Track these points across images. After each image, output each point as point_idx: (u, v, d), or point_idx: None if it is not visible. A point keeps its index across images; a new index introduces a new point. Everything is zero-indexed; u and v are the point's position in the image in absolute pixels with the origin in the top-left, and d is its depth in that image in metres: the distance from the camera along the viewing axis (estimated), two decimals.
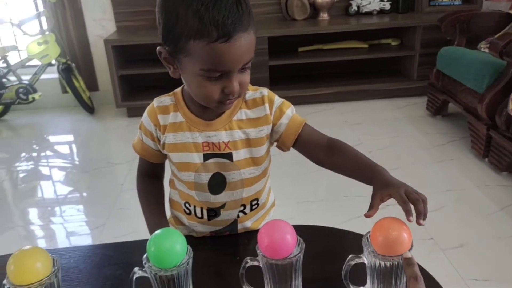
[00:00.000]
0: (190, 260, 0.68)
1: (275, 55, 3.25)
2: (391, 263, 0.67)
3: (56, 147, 3.13)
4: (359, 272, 0.72)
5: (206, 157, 0.89)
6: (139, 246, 0.83)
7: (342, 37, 3.44)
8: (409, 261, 0.65)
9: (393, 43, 3.50)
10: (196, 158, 0.89)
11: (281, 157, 0.86)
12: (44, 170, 2.75)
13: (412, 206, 0.71)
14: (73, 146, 3.18)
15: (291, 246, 0.67)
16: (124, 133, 3.12)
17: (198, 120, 0.88)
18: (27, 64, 3.30)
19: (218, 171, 0.90)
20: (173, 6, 0.75)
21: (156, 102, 0.92)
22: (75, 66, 3.34)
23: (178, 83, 0.91)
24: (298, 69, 3.50)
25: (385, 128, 2.91)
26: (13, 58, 3.33)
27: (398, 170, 2.33)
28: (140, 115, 0.95)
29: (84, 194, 2.43)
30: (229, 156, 0.89)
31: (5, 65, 3.23)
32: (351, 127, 2.94)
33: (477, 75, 2.36)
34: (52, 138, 3.22)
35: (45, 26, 3.27)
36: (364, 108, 3.27)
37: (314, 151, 0.90)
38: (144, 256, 0.68)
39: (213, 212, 0.94)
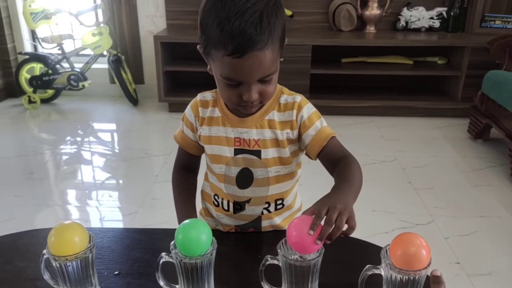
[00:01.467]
0: (214, 252, 0.72)
1: (318, 64, 3.27)
2: (407, 277, 0.68)
3: (99, 134, 3.27)
4: (376, 284, 0.73)
5: (237, 152, 0.95)
6: (168, 234, 0.88)
7: (387, 51, 3.41)
8: (437, 279, 0.66)
9: (439, 62, 3.44)
10: (227, 152, 0.95)
11: (316, 165, 0.88)
12: (86, 155, 2.88)
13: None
14: (115, 134, 3.32)
15: (316, 246, 0.69)
16: (163, 127, 3.22)
17: (232, 116, 0.94)
18: (80, 53, 3.47)
19: (246, 167, 0.95)
20: (208, 11, 0.80)
21: (200, 96, 0.99)
22: (124, 59, 3.48)
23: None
24: (339, 80, 3.50)
25: (422, 146, 2.86)
26: (68, 46, 3.51)
27: (432, 190, 2.30)
28: (181, 110, 1.02)
29: (120, 181, 2.53)
30: (257, 153, 0.94)
31: (60, 52, 3.41)
32: (387, 143, 2.91)
33: None
34: (96, 125, 3.37)
35: (100, 19, 3.44)
36: (402, 124, 3.23)
37: (330, 165, 0.92)
38: (172, 242, 0.72)
39: (239, 206, 0.99)
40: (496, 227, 2.02)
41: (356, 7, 3.37)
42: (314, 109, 0.95)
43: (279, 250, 0.71)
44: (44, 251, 0.73)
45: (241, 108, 0.90)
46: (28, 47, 3.69)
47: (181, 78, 3.48)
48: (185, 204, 1.00)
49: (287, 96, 0.95)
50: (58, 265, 0.71)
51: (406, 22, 3.44)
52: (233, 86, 0.83)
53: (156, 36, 3.19)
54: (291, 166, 0.98)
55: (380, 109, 3.35)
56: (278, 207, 1.00)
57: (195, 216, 0.99)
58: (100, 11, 3.43)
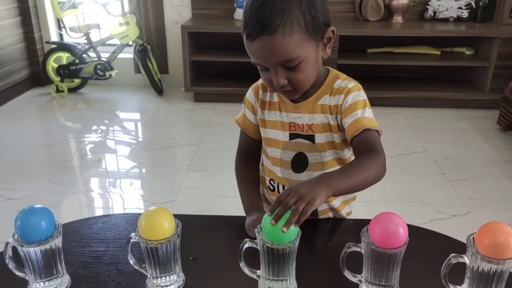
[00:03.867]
0: (298, 239, 0.73)
1: (344, 54, 3.25)
2: (494, 267, 0.69)
3: (127, 123, 3.30)
4: (459, 273, 0.74)
5: (292, 136, 0.97)
6: (235, 221, 0.94)
7: (414, 41, 3.38)
8: None
9: (467, 52, 3.40)
10: (283, 136, 0.98)
11: None
12: (114, 144, 2.91)
13: None
14: (142, 124, 3.34)
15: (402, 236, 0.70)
16: (190, 117, 3.24)
17: (288, 101, 0.96)
18: (106, 42, 3.49)
19: (301, 151, 0.97)
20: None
21: (261, 80, 1.00)
22: (150, 49, 3.49)
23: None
24: (365, 70, 3.48)
25: (452, 138, 2.84)
26: (95, 36, 3.52)
27: (466, 181, 2.30)
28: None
29: (153, 170, 2.55)
30: (311, 138, 0.96)
31: (87, 41, 3.43)
32: (416, 134, 2.90)
33: None
34: (122, 115, 3.39)
35: (126, 8, 3.44)
36: (430, 115, 3.21)
37: (356, 156, 0.91)
38: (257, 228, 0.74)
39: None
40: None
41: None
42: (364, 97, 0.93)
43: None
44: (132, 235, 0.75)
45: (282, 94, 0.93)
46: (54, 37, 3.72)
47: (207, 68, 3.49)
48: (251, 194, 1.01)
49: (341, 81, 0.95)
50: (148, 249, 0.72)
51: (434, 12, 3.40)
52: (264, 70, 0.87)
53: (184, 26, 3.19)
54: (345, 152, 0.99)
55: (406, 100, 3.33)
56: None
57: (261, 205, 1.00)
58: (126, 1, 3.43)
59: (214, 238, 0.92)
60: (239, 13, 3.34)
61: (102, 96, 3.65)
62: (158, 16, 3.55)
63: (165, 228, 0.72)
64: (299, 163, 0.99)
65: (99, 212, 2.12)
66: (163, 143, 2.80)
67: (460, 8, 3.37)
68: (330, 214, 1.05)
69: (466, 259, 0.72)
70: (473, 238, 0.72)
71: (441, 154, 2.59)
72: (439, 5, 3.37)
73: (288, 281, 0.75)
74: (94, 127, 3.11)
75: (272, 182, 1.05)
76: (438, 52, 3.37)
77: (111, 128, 3.14)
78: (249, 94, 1.03)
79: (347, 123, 0.91)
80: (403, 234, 0.71)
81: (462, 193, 2.18)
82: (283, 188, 1.02)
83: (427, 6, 3.40)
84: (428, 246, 0.89)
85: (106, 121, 3.22)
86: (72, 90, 3.62)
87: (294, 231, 0.72)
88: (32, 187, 2.24)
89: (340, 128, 0.95)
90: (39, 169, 2.51)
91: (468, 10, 3.36)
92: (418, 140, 2.80)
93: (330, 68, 0.99)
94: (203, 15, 3.51)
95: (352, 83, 0.95)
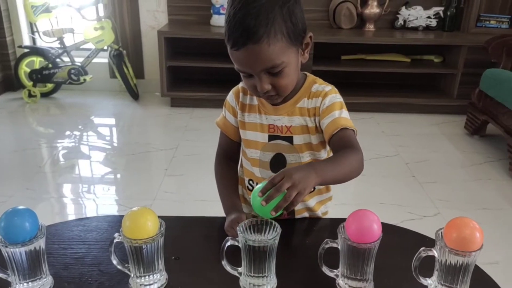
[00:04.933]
0: (278, 237, 0.76)
1: (318, 60, 3.32)
2: (460, 259, 0.74)
3: (102, 129, 3.27)
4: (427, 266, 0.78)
5: (270, 138, 1.01)
6: (215, 222, 0.96)
7: (385, 49, 3.49)
8: None
9: (435, 60, 3.53)
10: (262, 137, 1.01)
11: None
12: (89, 149, 2.87)
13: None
14: (119, 129, 3.31)
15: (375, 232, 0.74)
16: (166, 122, 3.24)
17: (267, 104, 1.00)
18: (80, 47, 3.45)
19: (280, 152, 1.01)
20: (227, 8, 0.87)
21: (241, 84, 1.03)
22: (125, 54, 3.47)
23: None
24: (339, 76, 3.55)
25: (422, 142, 2.94)
26: (68, 40, 3.48)
27: (435, 184, 2.38)
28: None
29: (131, 175, 2.53)
30: (289, 139, 1.00)
31: (60, 46, 3.39)
32: (389, 138, 2.98)
33: None
34: (96, 120, 3.36)
35: (101, 13, 3.42)
36: (401, 120, 3.31)
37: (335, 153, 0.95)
38: (239, 226, 0.76)
39: None
40: (499, 219, 2.10)
41: (356, 5, 3.43)
42: (340, 99, 0.98)
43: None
44: (116, 235, 0.76)
45: (264, 99, 0.96)
46: (27, 41, 3.66)
47: (183, 73, 3.50)
48: (230, 195, 1.04)
49: (318, 85, 1.00)
50: (133, 248, 0.74)
51: (404, 21, 3.52)
52: (247, 77, 0.90)
53: (160, 31, 3.19)
54: (321, 153, 1.03)
55: (379, 106, 3.42)
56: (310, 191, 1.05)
57: (240, 206, 1.03)
58: (101, 5, 3.41)
59: (195, 238, 0.94)
60: (215, 19, 3.37)
61: (76, 101, 3.61)
62: (134, 21, 3.55)
63: (149, 228, 0.74)
64: (278, 163, 1.02)
65: (75, 217, 2.10)
66: (139, 148, 2.79)
67: (429, 17, 3.50)
68: (306, 214, 1.08)
69: (435, 253, 0.77)
70: (441, 232, 0.77)
71: (412, 158, 2.68)
72: (409, 15, 3.49)
73: (269, 277, 0.78)
74: (68, 133, 3.07)
75: (251, 182, 1.08)
76: (408, 60, 3.49)
77: (85, 134, 3.10)
78: (230, 97, 1.06)
79: (325, 123, 0.95)
80: (377, 230, 0.75)
81: (432, 195, 2.26)
82: None
83: (398, 15, 3.52)
84: (400, 242, 0.94)
85: (80, 127, 3.18)
86: (45, 95, 3.57)
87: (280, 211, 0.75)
88: (5, 193, 2.20)
89: (318, 130, 0.99)
90: (12, 174, 2.46)
91: (437, 20, 3.50)
92: (390, 144, 2.89)
93: (307, 73, 1.03)
94: (179, 20, 3.52)
95: (328, 87, 0.99)
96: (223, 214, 1.00)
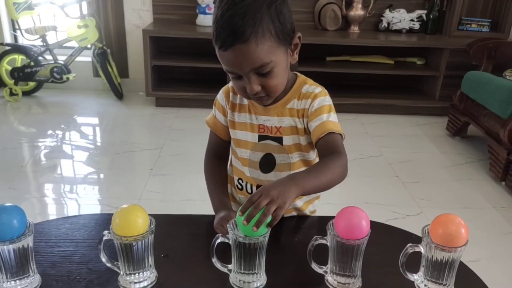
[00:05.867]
0: (268, 234, 0.77)
1: (303, 61, 3.33)
2: (446, 255, 0.75)
3: (86, 128, 3.23)
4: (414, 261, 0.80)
5: (260, 138, 1.01)
6: (203, 220, 0.97)
7: (370, 51, 3.53)
8: None
9: (418, 62, 3.59)
10: (252, 137, 1.02)
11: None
12: (74, 149, 2.84)
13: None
14: (102, 128, 3.27)
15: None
16: (151, 121, 3.21)
17: (258, 104, 0.99)
18: (63, 45, 3.40)
19: (269, 152, 1.02)
20: (215, 9, 0.87)
21: (231, 83, 1.03)
22: (110, 52, 3.43)
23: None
24: (325, 77, 3.54)
25: (405, 143, 2.99)
26: (51, 38, 3.43)
27: (418, 183, 2.42)
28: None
29: (115, 174, 2.50)
30: (279, 140, 1.00)
31: (43, 43, 3.33)
32: (372, 139, 3.02)
33: (502, 101, 2.44)
34: (79, 119, 3.31)
35: (85, 11, 3.38)
36: (385, 121, 3.36)
37: (320, 158, 0.97)
38: (230, 223, 0.77)
39: None
40: (480, 217, 2.15)
41: (341, 7, 3.47)
42: (329, 102, 0.98)
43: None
44: (105, 233, 0.76)
45: (254, 101, 0.96)
46: (8, 38, 3.58)
47: (168, 72, 3.48)
48: (220, 192, 1.04)
49: (308, 86, 1.00)
50: (122, 245, 0.74)
51: (388, 23, 3.57)
52: (236, 78, 0.90)
53: (145, 30, 3.17)
54: (310, 154, 1.04)
55: (363, 107, 3.46)
56: None
57: (229, 204, 1.03)
58: (85, 3, 3.37)
59: (184, 236, 0.94)
60: (201, 19, 3.36)
61: (58, 100, 3.55)
62: (118, 19, 3.51)
63: (139, 225, 0.74)
64: (267, 163, 1.03)
65: (58, 217, 2.06)
66: (124, 148, 2.76)
67: (412, 20, 3.56)
68: (294, 213, 1.09)
69: (421, 249, 0.79)
70: (427, 229, 0.78)
71: (396, 158, 2.72)
72: (392, 17, 3.54)
73: (259, 274, 0.79)
74: (50, 132, 3.03)
75: (240, 181, 1.08)
76: (392, 62, 3.54)
77: (68, 133, 3.06)
78: (220, 96, 1.06)
79: (312, 126, 0.95)
80: (365, 227, 0.76)
81: (415, 194, 2.30)
82: (251, 188, 1.06)
83: (382, 18, 3.57)
84: (387, 239, 0.95)
85: (63, 126, 3.14)
86: (27, 93, 3.50)
87: (264, 227, 0.76)
88: None
89: (306, 131, 0.99)
90: None
91: (420, 22, 3.56)
92: (374, 144, 2.92)
93: (298, 74, 1.04)
94: (164, 19, 3.51)
95: (318, 89, 1.00)
96: (209, 213, 1.00)
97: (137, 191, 2.24)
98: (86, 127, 3.27)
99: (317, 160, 1.06)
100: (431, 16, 3.51)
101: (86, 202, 2.19)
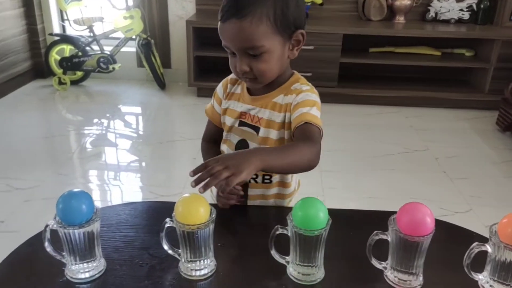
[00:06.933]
0: (328, 228, 0.76)
1: (346, 52, 3.29)
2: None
3: (127, 117, 3.31)
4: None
5: (240, 123, 1.04)
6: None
7: (415, 42, 3.43)
8: None
9: (466, 54, 3.45)
10: (233, 122, 1.04)
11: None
12: (113, 137, 2.91)
13: None
14: (146, 117, 3.34)
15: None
16: (193, 111, 3.25)
17: (247, 94, 1.03)
18: (110, 35, 3.48)
19: (245, 138, 1.04)
20: None
21: (232, 75, 1.06)
22: (153, 43, 3.49)
23: None
24: (367, 69, 3.52)
25: (452, 137, 2.90)
26: (98, 29, 3.52)
27: (467, 180, 2.34)
28: (209, 96, 1.14)
29: (160, 163, 2.55)
30: (257, 129, 1.02)
31: (90, 34, 3.43)
32: (417, 132, 2.94)
33: None
34: (123, 108, 3.39)
35: (131, 2, 3.44)
36: (430, 115, 3.26)
37: None
38: (289, 216, 0.77)
39: None
40: None
41: None
42: (315, 99, 0.97)
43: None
44: (167, 220, 0.77)
45: (244, 81, 1.00)
46: (57, 29, 3.71)
47: (209, 63, 3.50)
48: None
49: (299, 84, 1.00)
50: (185, 234, 0.75)
51: (436, 13, 3.45)
52: (231, 55, 0.93)
53: (189, 21, 3.20)
54: None
55: (407, 99, 3.37)
56: (266, 181, 1.06)
57: None
58: None
59: (239, 226, 0.95)
60: None
61: (104, 89, 3.65)
62: (162, 10, 3.56)
63: (201, 214, 0.75)
64: (242, 148, 1.05)
65: (109, 203, 2.13)
66: (166, 137, 2.81)
67: (461, 10, 3.42)
68: (258, 201, 1.07)
69: (488, 248, 0.76)
70: (495, 227, 0.76)
71: (442, 153, 2.64)
72: (440, 7, 3.42)
73: (316, 267, 0.78)
74: (96, 120, 3.12)
75: None
76: (439, 53, 3.42)
77: (112, 121, 3.14)
78: (219, 88, 1.10)
79: (293, 117, 0.96)
80: (430, 223, 0.74)
81: (463, 191, 2.23)
82: None
83: (429, 7, 3.45)
84: (446, 236, 0.93)
85: (107, 114, 3.22)
86: (74, 82, 3.62)
87: (324, 220, 0.75)
88: (38, 178, 2.25)
89: (283, 126, 0.99)
90: (44, 160, 2.52)
91: (469, 12, 3.41)
92: (419, 138, 2.85)
93: (296, 72, 1.04)
94: (207, 10, 3.52)
95: (307, 87, 1.00)
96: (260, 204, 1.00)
97: (181, 180, 2.28)
98: (130, 116, 3.35)
99: None
100: (482, 6, 3.36)
101: (130, 189, 2.25)
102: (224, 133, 1.08)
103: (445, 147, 2.73)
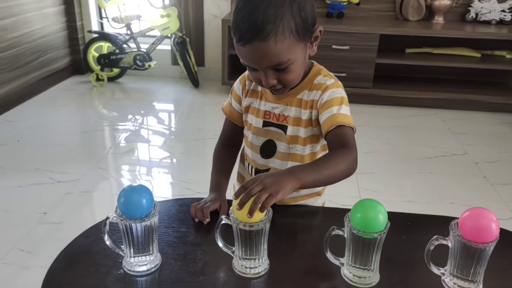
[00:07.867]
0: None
1: (382, 53, 3.24)
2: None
3: (160, 114, 3.35)
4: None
5: (265, 124, 1.01)
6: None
7: (454, 43, 3.35)
8: None
9: (507, 56, 3.34)
10: (257, 122, 1.02)
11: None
12: (147, 133, 2.95)
13: None
14: (177, 115, 3.38)
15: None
16: None
17: (269, 92, 0.99)
18: (146, 33, 3.54)
19: (271, 139, 1.01)
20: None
21: (247, 72, 1.02)
22: (188, 41, 3.53)
23: None
24: (403, 70, 3.46)
25: (492, 141, 2.81)
26: (135, 27, 3.58)
27: (508, 186, 2.27)
28: None
29: (196, 160, 2.57)
30: (284, 128, 1.00)
31: (128, 32, 3.49)
32: (455, 136, 2.87)
33: None
34: (158, 105, 3.44)
35: (167, 1, 3.49)
36: (468, 118, 3.17)
37: (329, 151, 0.93)
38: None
39: (259, 173, 1.03)
40: None
41: None
42: (341, 94, 0.95)
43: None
44: (223, 217, 0.78)
45: (269, 90, 0.95)
46: (95, 26, 3.79)
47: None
48: (221, 175, 1.06)
49: (322, 77, 0.97)
50: (242, 231, 0.75)
51: (476, 14, 3.36)
52: (252, 70, 0.89)
53: (224, 20, 3.22)
54: (311, 147, 1.01)
55: (444, 102, 3.30)
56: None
57: (225, 187, 1.04)
58: None
59: (285, 226, 0.94)
60: None
61: (139, 86, 3.71)
62: (197, 9, 3.59)
63: (259, 212, 0.75)
64: (268, 149, 1.03)
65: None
66: (200, 135, 2.84)
67: (503, 11, 3.32)
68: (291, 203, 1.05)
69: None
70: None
71: (482, 157, 2.57)
72: (481, 7, 3.32)
73: (372, 271, 0.77)
74: (130, 116, 3.18)
75: (248, 164, 1.10)
76: (478, 55, 3.33)
77: (146, 118, 3.18)
78: (237, 85, 1.07)
79: (322, 118, 0.93)
80: (495, 230, 0.72)
81: (505, 197, 2.16)
82: (252, 169, 1.07)
83: (470, 8, 3.36)
84: (503, 243, 0.90)
85: (142, 111, 3.27)
86: (111, 79, 3.70)
87: (384, 223, 0.74)
88: (79, 171, 2.30)
89: (311, 123, 0.97)
90: (82, 154, 2.58)
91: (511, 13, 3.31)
92: (457, 142, 2.78)
93: (315, 63, 1.01)
94: None
95: (331, 80, 0.97)
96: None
97: None
98: (163, 113, 3.39)
99: (319, 155, 1.03)
100: None
101: (168, 185, 2.29)
102: (248, 135, 1.05)
103: (485, 152, 2.65)
